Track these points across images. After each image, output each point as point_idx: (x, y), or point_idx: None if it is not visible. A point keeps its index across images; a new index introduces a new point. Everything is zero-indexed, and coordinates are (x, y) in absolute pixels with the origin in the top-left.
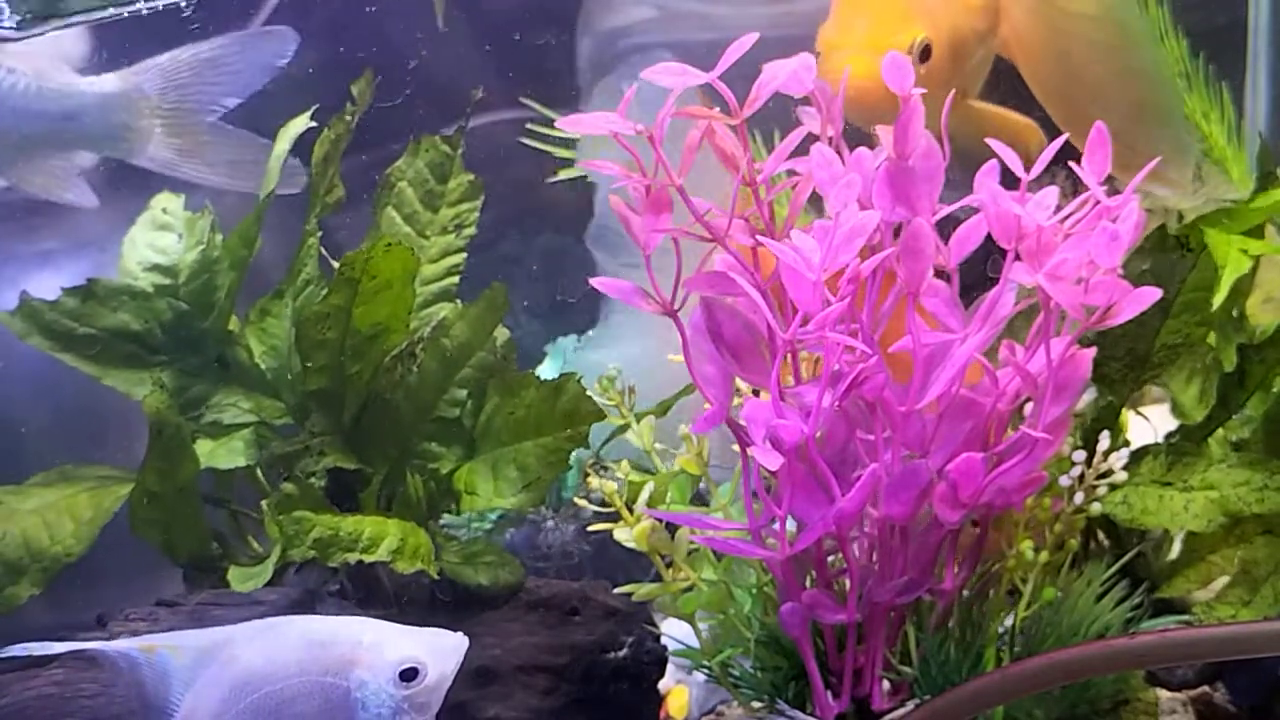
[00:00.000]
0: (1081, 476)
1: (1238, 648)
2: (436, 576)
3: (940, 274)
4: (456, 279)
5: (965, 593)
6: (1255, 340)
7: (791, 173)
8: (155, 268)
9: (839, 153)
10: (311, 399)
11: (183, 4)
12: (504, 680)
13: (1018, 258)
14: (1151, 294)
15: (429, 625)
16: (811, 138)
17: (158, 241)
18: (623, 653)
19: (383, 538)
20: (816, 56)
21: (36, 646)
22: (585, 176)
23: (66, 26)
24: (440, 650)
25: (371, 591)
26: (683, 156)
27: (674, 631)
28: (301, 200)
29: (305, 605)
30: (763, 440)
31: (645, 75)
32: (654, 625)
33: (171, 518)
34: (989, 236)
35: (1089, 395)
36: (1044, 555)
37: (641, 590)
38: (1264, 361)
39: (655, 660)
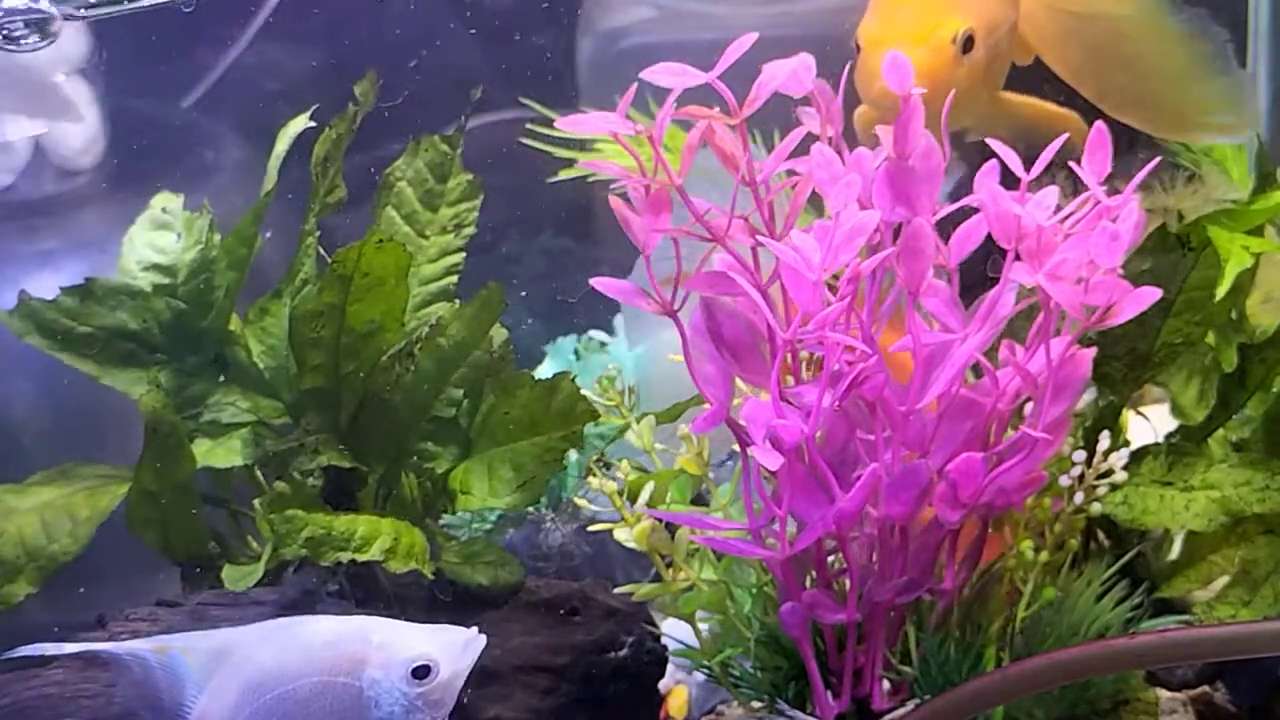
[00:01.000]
0: (1081, 476)
1: (1238, 648)
2: (431, 576)
3: (940, 273)
4: (455, 278)
5: (965, 593)
6: (1255, 340)
7: (791, 173)
8: (154, 267)
9: (839, 153)
10: (307, 398)
11: (183, 4)
12: (504, 680)
13: (1018, 258)
14: (1152, 294)
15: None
16: (811, 137)
17: (156, 241)
18: (623, 653)
19: (376, 537)
20: (856, 51)
21: (50, 647)
22: (586, 176)
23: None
24: (452, 647)
25: (370, 592)
26: (682, 156)
27: (674, 631)
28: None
29: (303, 605)
30: (763, 440)
31: (645, 75)
32: (654, 625)
33: (168, 517)
34: (989, 236)
35: (1089, 395)
36: (1044, 555)
37: (641, 590)
38: (1264, 361)
39: (655, 660)
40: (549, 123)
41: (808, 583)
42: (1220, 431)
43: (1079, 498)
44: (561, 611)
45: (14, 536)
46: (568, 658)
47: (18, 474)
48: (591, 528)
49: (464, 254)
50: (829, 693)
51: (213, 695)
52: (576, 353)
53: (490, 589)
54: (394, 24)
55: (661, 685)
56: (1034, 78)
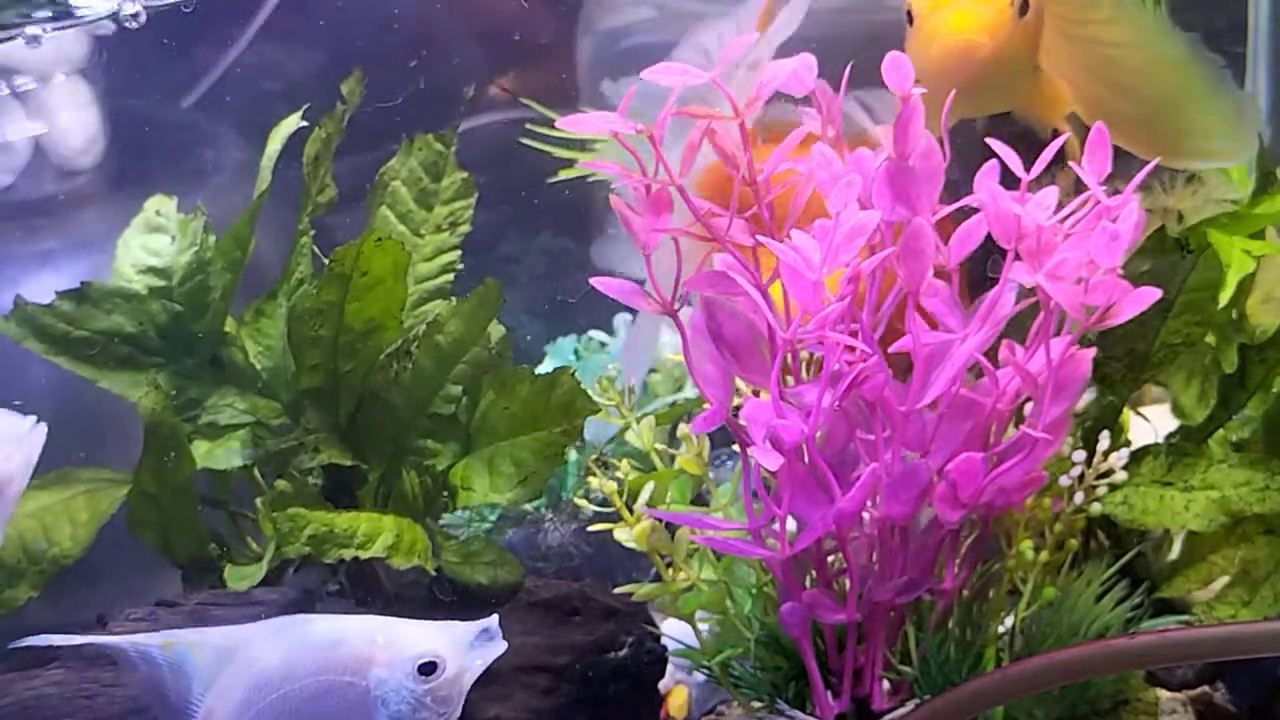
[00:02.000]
0: (1081, 476)
1: (1238, 648)
2: (434, 573)
3: (940, 274)
4: (452, 276)
5: (965, 593)
6: (1255, 340)
7: None
8: (149, 270)
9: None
10: (306, 397)
11: (183, 4)
12: (504, 680)
13: (1018, 258)
14: (1151, 294)
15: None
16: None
17: (151, 244)
18: (623, 653)
19: (378, 534)
20: (909, 20)
21: (56, 639)
22: (586, 176)
23: (68, 27)
24: (459, 642)
25: (370, 591)
26: (683, 156)
27: (674, 631)
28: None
29: (304, 605)
30: (763, 440)
31: (646, 75)
32: (654, 625)
33: (168, 519)
34: (989, 236)
35: (1089, 395)
36: (1044, 555)
37: (641, 590)
38: (1264, 361)
39: (655, 660)
40: (549, 123)
41: (808, 583)
42: (1220, 431)
43: (1079, 498)
44: (561, 611)
45: (14, 540)
46: (568, 658)
47: None
48: (591, 528)
49: (460, 252)
50: (829, 693)
51: (219, 693)
52: (576, 353)
53: (490, 588)
54: (393, 24)
55: (661, 685)
56: None
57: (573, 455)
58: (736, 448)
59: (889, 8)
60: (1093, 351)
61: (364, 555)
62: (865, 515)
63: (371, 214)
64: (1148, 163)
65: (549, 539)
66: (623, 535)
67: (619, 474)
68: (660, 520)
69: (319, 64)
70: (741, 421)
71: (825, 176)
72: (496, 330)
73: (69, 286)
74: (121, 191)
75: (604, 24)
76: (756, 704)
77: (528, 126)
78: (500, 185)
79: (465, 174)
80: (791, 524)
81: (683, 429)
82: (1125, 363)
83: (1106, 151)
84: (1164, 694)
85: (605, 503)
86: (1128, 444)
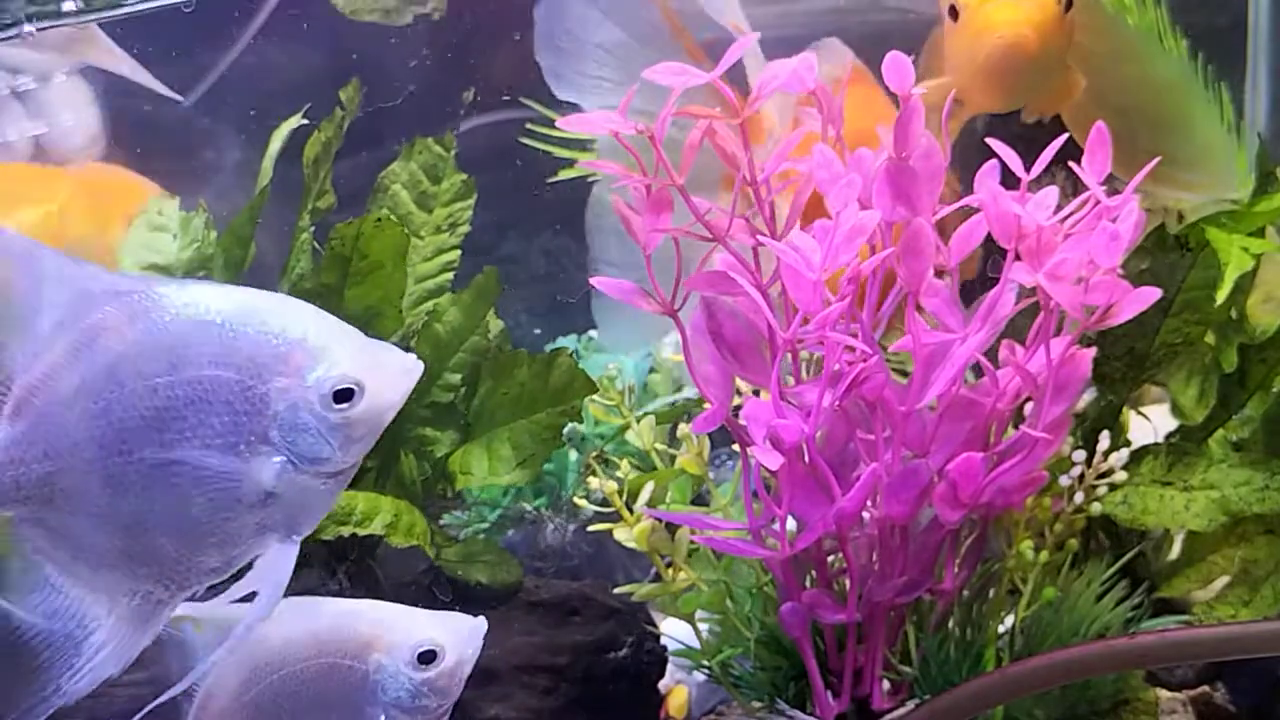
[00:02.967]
0: (1081, 476)
1: (1238, 648)
2: (433, 556)
3: (940, 274)
4: (451, 275)
5: (965, 593)
6: (1255, 340)
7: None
8: (151, 266)
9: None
10: None
11: (183, 4)
12: (504, 680)
13: (1018, 258)
14: (1151, 294)
15: None
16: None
17: (153, 242)
18: (623, 653)
19: (375, 512)
20: (954, 14)
21: None
22: (586, 176)
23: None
24: (459, 634)
25: (370, 591)
26: (683, 156)
27: (674, 631)
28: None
29: None
30: (763, 440)
31: (646, 75)
32: (654, 625)
33: None
34: (989, 236)
35: (1089, 395)
36: (1044, 555)
37: (641, 590)
38: (1264, 361)
39: (655, 660)
40: (549, 123)
41: (808, 583)
42: (1220, 431)
43: (1079, 498)
44: (561, 611)
45: None
46: (568, 658)
47: None
48: (591, 528)
49: (459, 252)
50: (829, 693)
51: (220, 674)
52: (576, 353)
53: (489, 588)
54: (393, 25)
55: (661, 685)
56: None
57: (573, 455)
58: (736, 448)
59: (889, 8)
60: (1093, 351)
61: (362, 533)
62: (865, 515)
63: None
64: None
65: (549, 539)
66: (623, 535)
67: (619, 473)
68: (660, 520)
69: (319, 64)
70: (741, 421)
71: (825, 176)
72: (495, 325)
73: None
74: None
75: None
76: (756, 704)
77: (528, 126)
78: (500, 185)
79: (464, 176)
80: (791, 524)
81: (683, 429)
82: (1125, 362)
83: (1106, 152)
84: (1164, 694)
85: (605, 503)
86: (1128, 444)
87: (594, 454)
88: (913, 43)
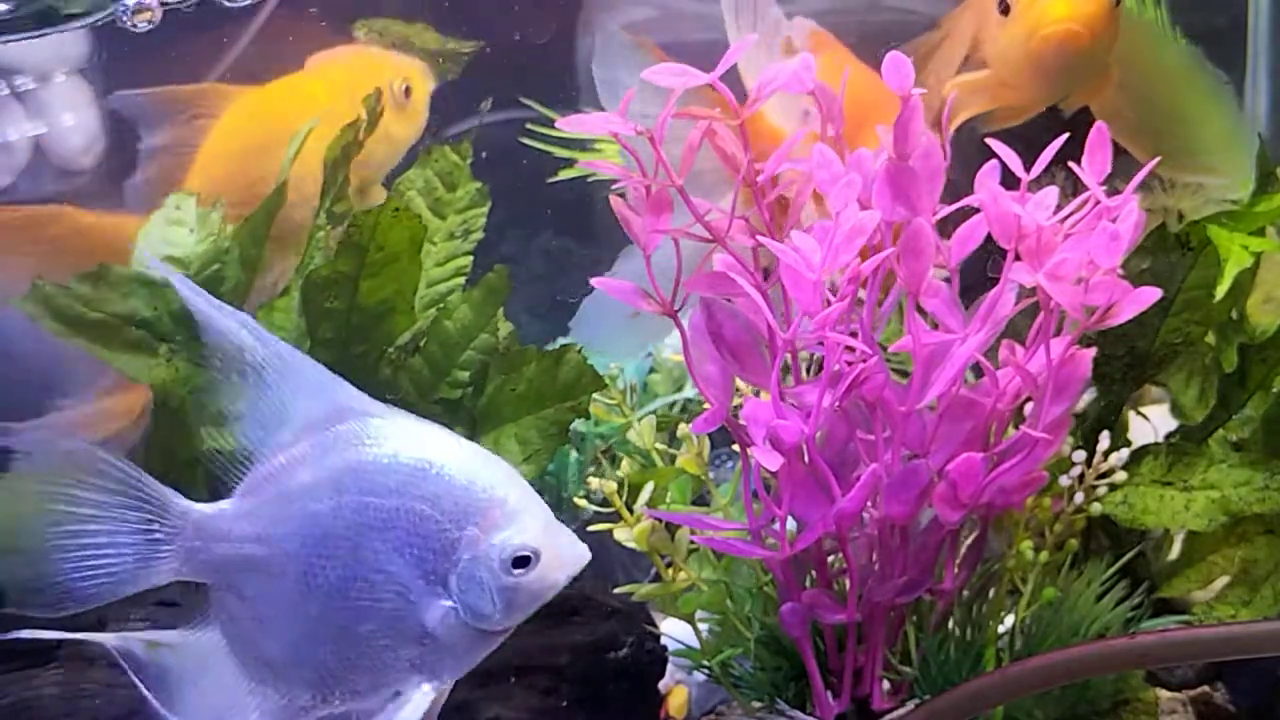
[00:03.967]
0: (1081, 476)
1: (1238, 648)
2: None
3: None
4: (462, 280)
5: (965, 593)
6: (1255, 340)
7: None
8: (167, 259)
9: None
10: None
11: (183, 4)
12: (504, 680)
13: (1018, 258)
14: (1151, 294)
15: None
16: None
17: (171, 235)
18: (623, 653)
19: None
20: (1005, 8)
21: (46, 634)
22: (586, 176)
23: (66, 29)
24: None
25: None
26: (683, 156)
27: (674, 631)
28: None
29: None
30: (763, 440)
31: (646, 76)
32: (654, 625)
33: None
34: (989, 236)
35: (1089, 395)
36: (1044, 555)
37: (641, 590)
38: (1264, 361)
39: (655, 660)
40: (549, 123)
41: (808, 583)
42: (1220, 431)
43: (1079, 498)
44: (561, 611)
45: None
46: (568, 658)
47: None
48: (591, 528)
49: (471, 258)
50: (829, 693)
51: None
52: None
53: None
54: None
55: (661, 685)
56: None
57: (573, 455)
58: (736, 448)
59: (889, 8)
60: (1093, 351)
61: None
62: (865, 515)
63: None
64: (1148, 162)
65: None
66: (623, 535)
67: (619, 473)
68: (660, 520)
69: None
70: (741, 422)
71: (825, 177)
72: (505, 327)
73: None
74: (121, 191)
75: (604, 25)
76: (756, 704)
77: (528, 126)
78: (500, 185)
79: (479, 184)
80: (791, 524)
81: (683, 429)
82: (1125, 362)
83: (1106, 152)
84: (1164, 694)
85: (605, 503)
86: (1128, 444)
87: (602, 449)
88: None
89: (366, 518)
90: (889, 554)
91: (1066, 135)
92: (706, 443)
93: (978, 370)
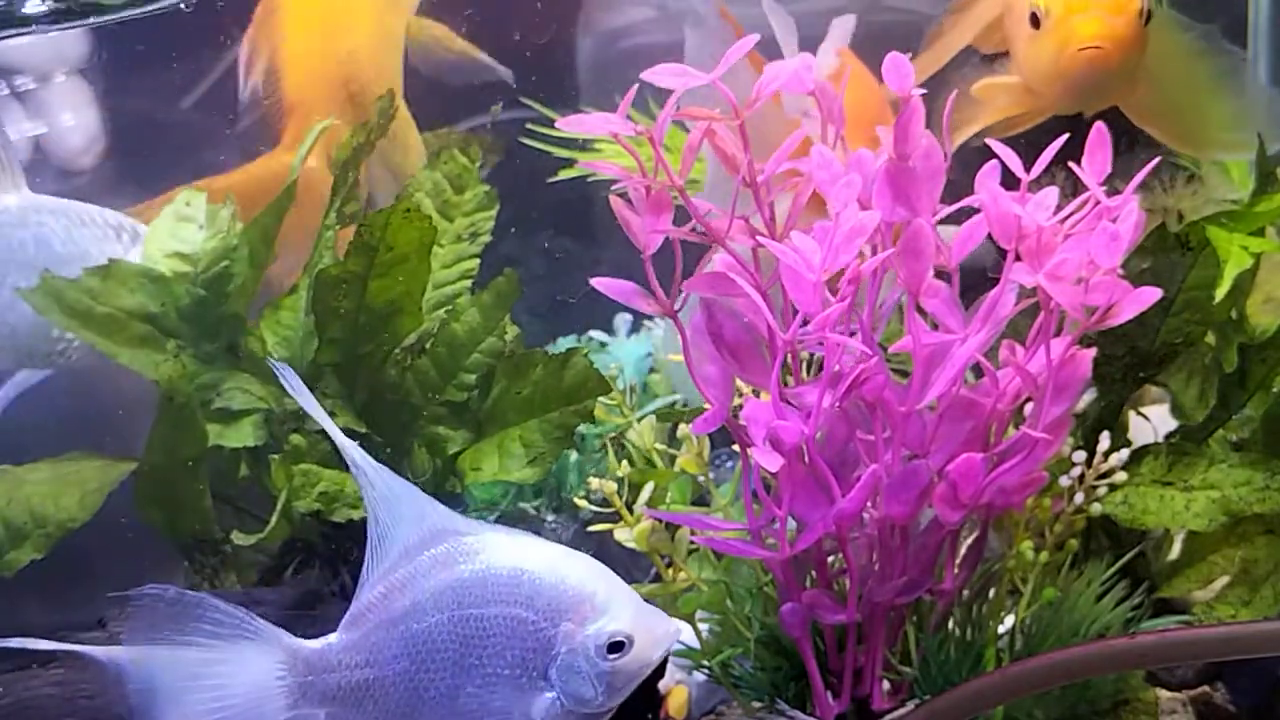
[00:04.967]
0: (1082, 477)
1: (1238, 648)
2: None
3: (940, 274)
4: (469, 283)
5: (965, 593)
6: (1255, 340)
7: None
8: (175, 255)
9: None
10: (325, 369)
11: (183, 5)
12: None
13: (1018, 258)
14: (1152, 294)
15: None
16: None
17: (180, 232)
18: None
19: None
20: (1035, 21)
21: (35, 643)
22: (585, 176)
23: (68, 28)
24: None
25: None
26: (683, 157)
27: None
28: None
29: (305, 604)
30: (763, 441)
31: (646, 76)
32: None
33: (175, 494)
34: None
35: (1089, 395)
36: (1044, 555)
37: (641, 590)
38: (1264, 361)
39: None
40: (549, 123)
41: (808, 583)
42: (1220, 431)
43: (1079, 498)
44: None
45: (23, 503)
46: None
47: None
48: (591, 528)
49: (478, 261)
50: (829, 693)
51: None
52: None
53: None
54: None
55: (661, 685)
56: None
57: (574, 455)
58: (736, 448)
59: (888, 8)
60: (1093, 351)
61: None
62: (865, 516)
63: None
64: (1148, 162)
65: (548, 539)
66: (623, 535)
67: (619, 473)
68: (660, 520)
69: None
70: (742, 422)
71: (825, 177)
72: (511, 330)
73: None
74: (122, 192)
75: (604, 24)
76: (756, 704)
77: (528, 126)
78: (500, 185)
79: (487, 187)
80: (791, 524)
81: (683, 429)
82: (1125, 362)
83: (1106, 152)
84: (1164, 694)
85: (605, 503)
86: (1128, 444)
87: (611, 436)
88: (913, 43)
89: (468, 630)
90: (889, 554)
91: (1066, 135)
92: (706, 443)
93: (978, 370)
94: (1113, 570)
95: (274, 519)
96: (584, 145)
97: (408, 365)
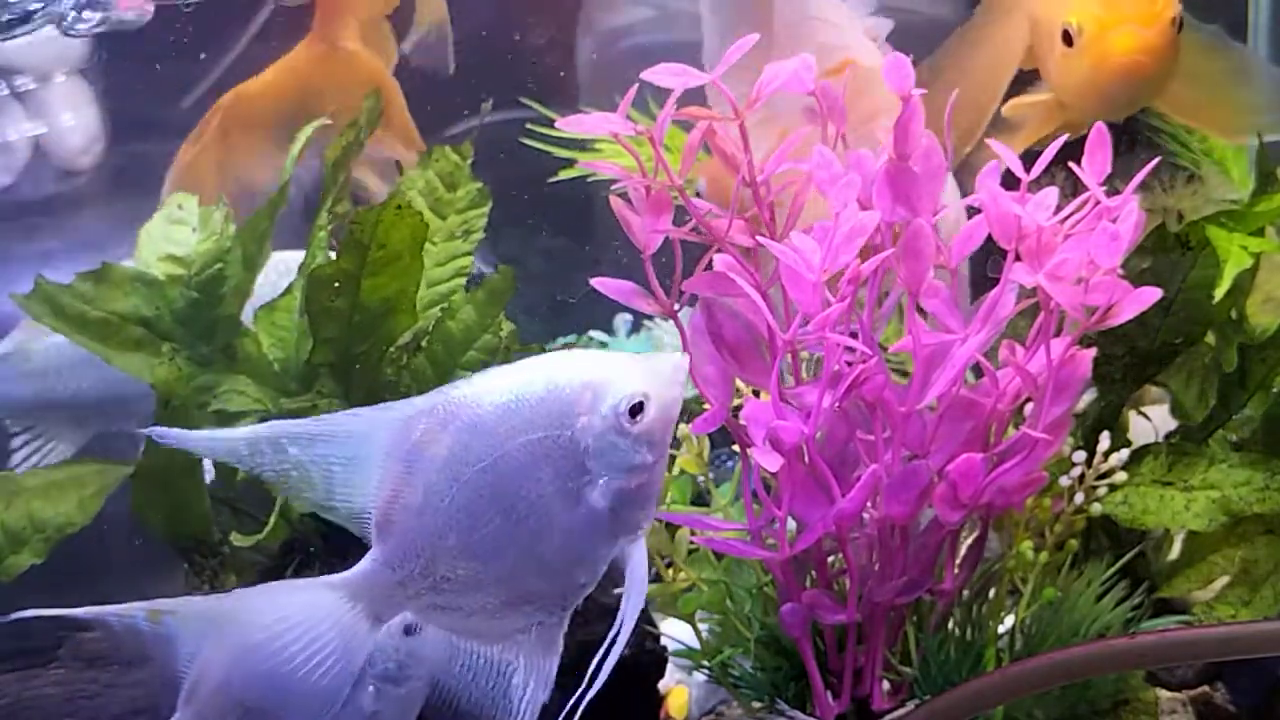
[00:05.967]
0: (1082, 477)
1: (1238, 648)
2: None
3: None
4: (462, 281)
5: (965, 593)
6: (1255, 340)
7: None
8: (169, 258)
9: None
10: (320, 369)
11: (183, 5)
12: None
13: (1018, 258)
14: (1152, 294)
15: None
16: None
17: (173, 234)
18: (623, 653)
19: None
20: (1068, 39)
21: (42, 613)
22: (586, 176)
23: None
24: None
25: None
26: (683, 157)
27: (674, 631)
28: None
29: None
30: (763, 441)
31: (646, 76)
32: (654, 625)
33: (173, 498)
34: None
35: (1089, 395)
36: (1044, 555)
37: None
38: (1264, 361)
39: (655, 660)
40: (549, 123)
41: (808, 583)
42: (1220, 431)
43: (1079, 498)
44: None
45: (22, 508)
46: (567, 658)
47: None
48: None
49: (471, 259)
50: (829, 693)
51: (204, 664)
52: None
53: None
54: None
55: (661, 685)
56: None
57: None
58: (736, 448)
59: (888, 8)
60: (1093, 351)
61: None
62: (865, 516)
63: None
64: (1148, 162)
65: None
66: None
67: None
68: (660, 520)
69: None
70: (741, 422)
71: (825, 177)
72: (506, 326)
73: None
74: (121, 191)
75: (604, 24)
76: (756, 704)
77: (528, 126)
78: (500, 185)
79: (480, 185)
80: (791, 524)
81: (683, 429)
82: (1125, 362)
83: (1106, 152)
84: (1164, 694)
85: None
86: (1128, 444)
87: None
88: (914, 43)
89: (492, 478)
90: (889, 554)
91: (1066, 135)
92: (706, 443)
93: (978, 370)
94: (1113, 570)
95: (272, 519)
96: (584, 145)
97: (404, 364)
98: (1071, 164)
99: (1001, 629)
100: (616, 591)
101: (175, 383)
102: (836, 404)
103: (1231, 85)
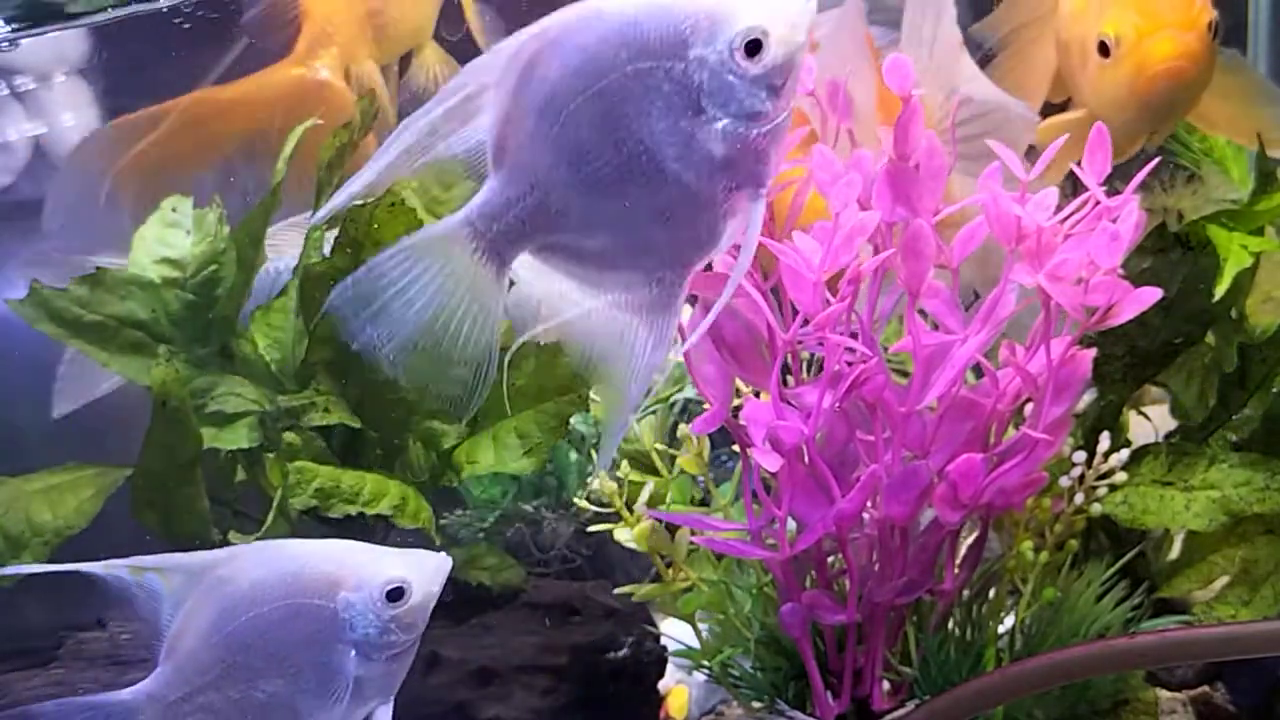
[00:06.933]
0: (1082, 477)
1: (1238, 648)
2: (437, 542)
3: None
4: None
5: (965, 593)
6: (1255, 340)
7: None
8: (164, 260)
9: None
10: (317, 366)
11: (183, 4)
12: (504, 680)
13: (1018, 258)
14: (1152, 294)
15: (430, 624)
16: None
17: (167, 237)
18: (623, 653)
19: (383, 494)
20: (1104, 50)
21: (33, 568)
22: None
23: (65, 28)
24: (424, 570)
25: None
26: None
27: (674, 631)
28: None
29: None
30: (763, 441)
31: None
32: (654, 625)
33: (171, 497)
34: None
35: (1089, 395)
36: (1044, 556)
37: (641, 590)
38: (1264, 361)
39: (655, 660)
40: None
41: (808, 583)
42: (1220, 431)
43: (1079, 498)
44: (561, 612)
45: (21, 513)
46: (568, 658)
47: None
48: (591, 528)
49: None
50: (829, 693)
51: (188, 615)
52: None
53: (491, 589)
54: None
55: (661, 685)
56: None
57: (573, 455)
58: (737, 448)
59: (888, 8)
60: (1093, 352)
61: (369, 512)
62: (865, 516)
63: None
64: (1148, 163)
65: (549, 539)
66: (623, 535)
67: (620, 473)
68: (660, 520)
69: None
70: (742, 422)
71: (825, 177)
72: (501, 322)
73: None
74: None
75: None
76: (756, 704)
77: None
78: None
79: (474, 184)
80: (791, 525)
81: (683, 429)
82: (1125, 362)
83: (1106, 152)
84: (1164, 694)
85: (605, 503)
86: (1128, 444)
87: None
88: None
89: (602, 106)
90: (889, 554)
91: (1066, 136)
92: (706, 443)
93: (978, 371)
94: (1113, 570)
95: (270, 517)
96: None
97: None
98: (1071, 164)
99: (1001, 629)
100: (618, 591)
101: (172, 384)
102: (836, 404)
103: (1258, 103)
